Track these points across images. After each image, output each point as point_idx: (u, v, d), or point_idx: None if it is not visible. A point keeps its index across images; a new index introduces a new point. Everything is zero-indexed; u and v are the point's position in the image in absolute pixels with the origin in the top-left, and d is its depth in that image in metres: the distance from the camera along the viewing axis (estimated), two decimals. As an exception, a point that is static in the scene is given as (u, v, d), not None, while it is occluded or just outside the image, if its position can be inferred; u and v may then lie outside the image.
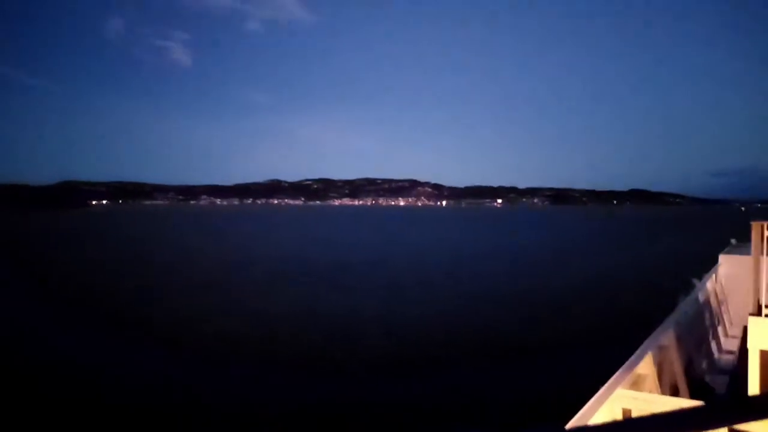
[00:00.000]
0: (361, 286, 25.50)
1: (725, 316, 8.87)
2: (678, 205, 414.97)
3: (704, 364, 6.89)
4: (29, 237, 65.08)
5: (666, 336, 5.25)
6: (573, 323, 17.43)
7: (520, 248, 49.84)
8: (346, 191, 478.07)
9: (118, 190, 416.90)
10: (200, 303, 20.96)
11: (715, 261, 9.86)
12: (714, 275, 9.31)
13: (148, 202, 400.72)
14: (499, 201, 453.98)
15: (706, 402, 1.06)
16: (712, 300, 8.42)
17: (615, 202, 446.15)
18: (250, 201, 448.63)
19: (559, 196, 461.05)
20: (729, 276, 9.54)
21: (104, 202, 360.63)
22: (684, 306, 6.70)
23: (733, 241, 11.19)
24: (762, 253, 4.37)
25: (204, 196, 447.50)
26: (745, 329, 4.72)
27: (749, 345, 3.86)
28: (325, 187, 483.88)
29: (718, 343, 7.85)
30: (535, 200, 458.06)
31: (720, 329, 8.26)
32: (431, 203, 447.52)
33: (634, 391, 3.79)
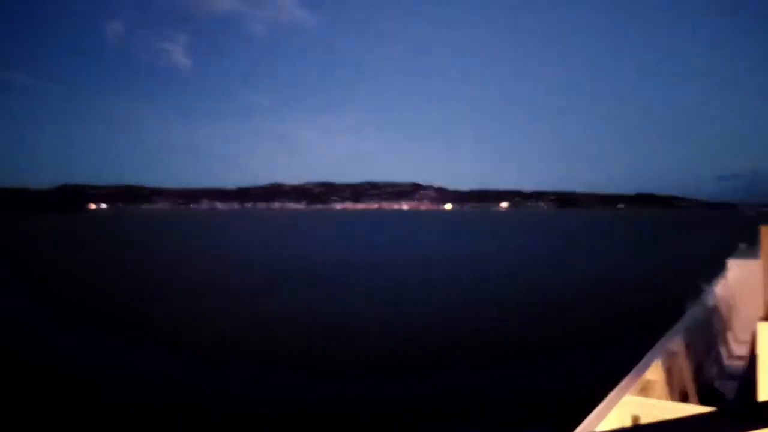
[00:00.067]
0: (363, 289, 25.33)
1: (735, 322, 8.75)
2: (685, 209, 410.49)
3: (714, 370, 6.92)
4: (29, 240, 66.09)
5: (675, 341, 5.24)
6: (579, 327, 17.15)
7: (524, 251, 49.33)
8: (349, 195, 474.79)
9: (118, 194, 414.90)
10: (200, 305, 20.89)
11: (724, 265, 9.42)
12: (723, 280, 9.13)
13: (148, 206, 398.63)
14: (504, 204, 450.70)
15: (716, 408, 1.13)
16: (721, 305, 8.39)
17: (621, 205, 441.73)
18: (251, 205, 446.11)
19: (564, 199, 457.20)
20: (738, 281, 9.12)
21: (104, 205, 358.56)
22: (692, 311, 6.74)
23: (742, 245, 10.61)
24: None
25: (204, 200, 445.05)
26: (754, 334, 4.71)
27: (759, 350, 3.86)
28: (327, 191, 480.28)
29: (728, 349, 7.90)
30: (540, 204, 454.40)
31: (729, 334, 8.26)
32: (435, 207, 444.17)
33: (643, 398, 3.78)
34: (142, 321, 17.92)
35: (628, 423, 3.48)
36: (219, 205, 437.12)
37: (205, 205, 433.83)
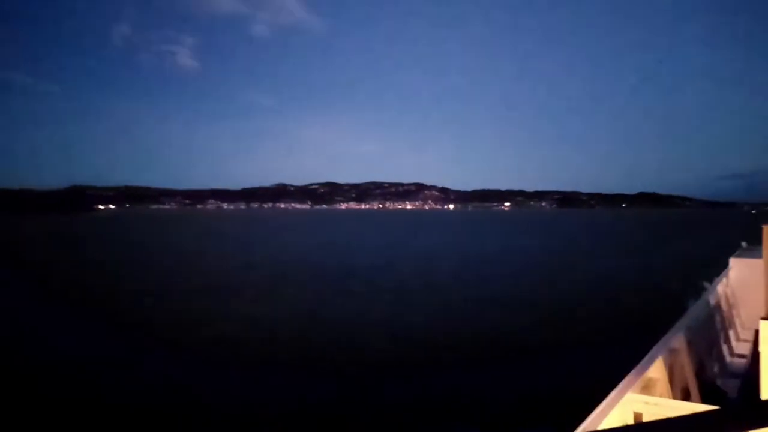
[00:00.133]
0: (367, 289, 25.26)
1: (737, 320, 8.66)
2: (687, 208, 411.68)
3: (716, 368, 6.87)
4: (36, 241, 65.63)
5: (677, 340, 5.25)
6: (581, 326, 17.28)
7: (526, 251, 49.43)
8: (353, 195, 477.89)
9: (125, 195, 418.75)
10: (203, 305, 20.99)
11: (726, 264, 9.57)
12: (725, 279, 9.04)
13: (154, 207, 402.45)
14: (507, 204, 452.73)
15: (718, 406, 1.07)
16: (723, 304, 8.31)
17: (623, 204, 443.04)
18: (256, 205, 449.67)
19: (566, 199, 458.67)
20: (740, 279, 9.22)
21: (111, 206, 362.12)
22: (694, 310, 6.72)
23: (743, 244, 10.90)
24: None
25: (211, 201, 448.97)
26: (756, 333, 4.73)
27: (761, 349, 3.90)
28: (332, 191, 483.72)
29: (730, 347, 7.80)
30: (543, 203, 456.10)
31: (731, 333, 8.15)
32: (438, 207, 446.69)
33: (646, 396, 3.80)
34: (145, 322, 17.98)
35: (630, 421, 3.47)
36: (225, 205, 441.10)
37: (211, 205, 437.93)
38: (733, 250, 10.33)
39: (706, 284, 8.31)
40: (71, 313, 19.79)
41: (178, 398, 11.00)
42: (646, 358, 4.45)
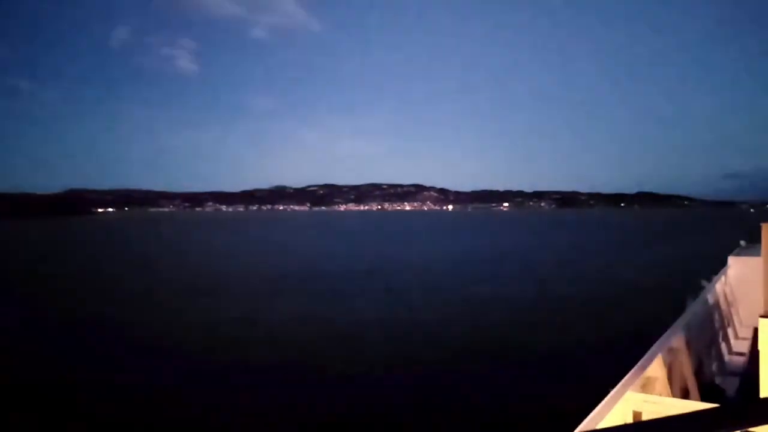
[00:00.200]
0: (364, 290, 25.23)
1: (735, 318, 8.69)
2: (686, 207, 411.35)
3: (715, 367, 6.90)
4: (35, 245, 66.18)
5: (676, 338, 5.25)
6: (582, 325, 17.28)
7: (526, 251, 49.44)
8: (352, 197, 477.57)
9: (124, 198, 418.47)
10: (203, 309, 20.85)
11: (724, 263, 9.67)
12: (723, 277, 9.11)
13: (154, 209, 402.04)
14: (506, 205, 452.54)
15: (717, 404, 1.05)
16: (722, 302, 8.33)
17: (623, 204, 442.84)
18: (255, 207, 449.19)
19: (566, 199, 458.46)
20: (739, 278, 9.31)
21: (110, 209, 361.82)
22: (693, 308, 6.71)
23: (742, 242, 11.01)
24: None
25: (209, 203, 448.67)
26: (755, 331, 4.72)
27: (760, 347, 3.90)
28: (331, 193, 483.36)
29: (729, 346, 7.83)
30: (542, 203, 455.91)
31: (730, 331, 8.18)
32: (437, 208, 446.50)
33: (645, 394, 3.79)
34: (144, 325, 18.03)
35: (630, 419, 3.49)
36: (224, 207, 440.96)
37: (210, 208, 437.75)
38: (732, 248, 10.33)
39: (704, 282, 8.31)
40: (65, 316, 19.65)
41: (177, 398, 10.93)
42: (646, 356, 4.43)
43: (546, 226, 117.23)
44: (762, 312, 4.02)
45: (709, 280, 8.51)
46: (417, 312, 19.89)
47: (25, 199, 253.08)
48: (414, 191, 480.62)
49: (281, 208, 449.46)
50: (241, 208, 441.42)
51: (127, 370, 13.03)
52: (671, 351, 5.00)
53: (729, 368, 7.16)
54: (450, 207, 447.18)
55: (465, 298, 22.86)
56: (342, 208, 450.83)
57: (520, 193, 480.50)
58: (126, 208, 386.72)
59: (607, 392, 3.52)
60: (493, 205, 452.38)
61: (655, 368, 4.45)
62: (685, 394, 5.00)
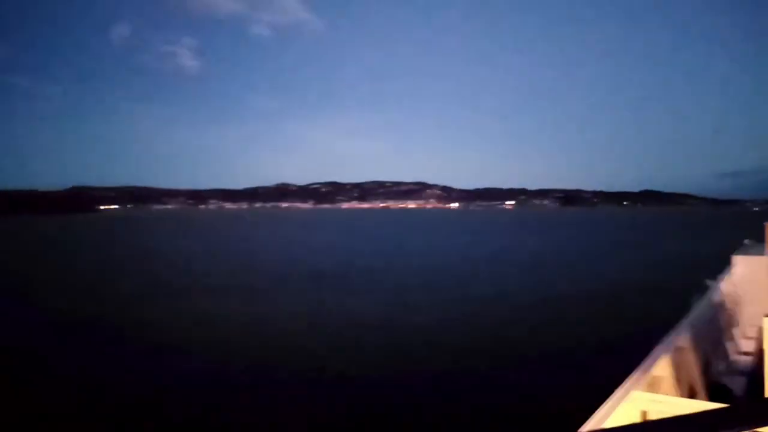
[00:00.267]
0: (366, 289, 25.22)
1: (741, 317, 8.68)
2: (690, 206, 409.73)
3: (721, 366, 6.91)
4: (40, 241, 66.45)
5: (682, 337, 5.24)
6: (584, 324, 17.25)
7: (529, 249, 49.28)
8: (355, 194, 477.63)
9: (128, 195, 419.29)
10: (205, 306, 20.96)
11: (729, 262, 9.61)
12: (728, 276, 9.10)
13: (157, 207, 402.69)
14: (510, 203, 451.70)
15: (724, 404, 1.06)
16: (727, 301, 8.34)
17: (626, 202, 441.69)
18: (259, 205, 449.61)
19: (569, 197, 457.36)
20: (743, 276, 9.23)
21: (114, 206, 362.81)
22: (699, 307, 6.70)
23: (746, 241, 10.98)
24: None
25: (213, 200, 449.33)
26: (761, 330, 4.76)
27: (766, 346, 3.86)
28: (334, 190, 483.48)
29: (735, 344, 7.81)
30: (546, 202, 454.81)
31: (736, 330, 8.17)
32: (441, 206, 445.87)
33: (651, 393, 3.77)
34: (142, 323, 18.02)
35: (636, 419, 3.49)
36: (227, 205, 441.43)
37: (213, 205, 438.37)
38: (736, 247, 10.28)
39: (709, 282, 8.34)
40: (68, 315, 19.68)
41: (177, 398, 10.95)
42: (652, 355, 4.42)
43: (551, 224, 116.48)
44: (767, 311, 3.97)
45: (715, 278, 8.57)
46: (418, 310, 19.83)
47: (31, 196, 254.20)
48: (417, 189, 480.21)
49: (285, 205, 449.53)
50: (244, 206, 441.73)
51: (126, 368, 13.07)
52: (677, 350, 4.98)
53: (735, 367, 7.14)
54: (453, 205, 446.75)
55: (467, 297, 22.78)
56: (345, 205, 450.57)
57: (524, 191, 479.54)
58: (130, 205, 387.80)
59: (613, 392, 3.51)
60: (497, 203, 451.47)
61: (662, 367, 4.44)
62: (691, 394, 4.98)
